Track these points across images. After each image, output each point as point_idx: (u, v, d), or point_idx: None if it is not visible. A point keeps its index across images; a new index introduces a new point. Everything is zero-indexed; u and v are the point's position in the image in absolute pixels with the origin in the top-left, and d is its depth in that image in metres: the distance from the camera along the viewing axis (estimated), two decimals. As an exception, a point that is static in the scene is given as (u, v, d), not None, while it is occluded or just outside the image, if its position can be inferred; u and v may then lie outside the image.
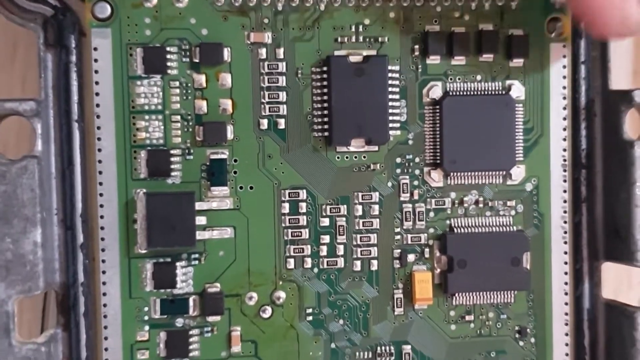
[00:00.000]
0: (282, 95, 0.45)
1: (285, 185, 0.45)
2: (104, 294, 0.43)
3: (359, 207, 0.45)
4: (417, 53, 0.45)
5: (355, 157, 0.45)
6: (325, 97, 0.44)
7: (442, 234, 0.46)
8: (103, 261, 0.43)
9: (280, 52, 0.44)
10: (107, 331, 0.44)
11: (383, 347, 0.46)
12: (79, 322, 0.43)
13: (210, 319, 0.44)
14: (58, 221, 0.43)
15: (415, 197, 0.46)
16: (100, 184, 0.43)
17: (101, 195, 0.43)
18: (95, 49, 0.43)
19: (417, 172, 0.46)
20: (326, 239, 0.45)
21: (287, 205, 0.45)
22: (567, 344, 0.47)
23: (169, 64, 0.43)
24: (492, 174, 0.46)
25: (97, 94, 0.43)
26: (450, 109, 0.45)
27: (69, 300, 0.43)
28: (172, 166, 0.44)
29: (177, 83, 0.44)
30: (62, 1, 0.43)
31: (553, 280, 0.47)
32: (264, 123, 0.44)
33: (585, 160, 0.47)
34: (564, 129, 0.47)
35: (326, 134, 0.45)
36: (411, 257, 0.46)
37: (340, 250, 0.45)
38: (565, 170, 0.47)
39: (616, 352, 0.46)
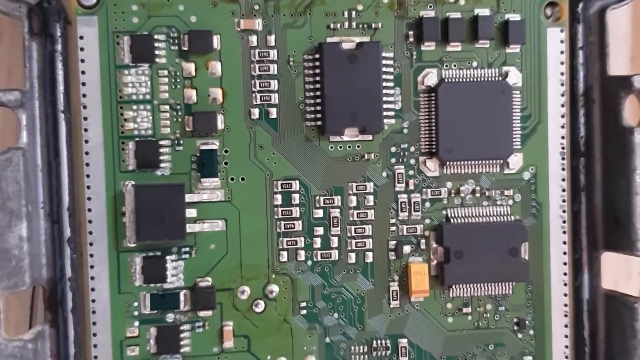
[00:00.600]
0: (274, 84, 0.44)
1: (277, 176, 0.44)
2: (93, 289, 0.42)
3: (353, 198, 0.45)
4: (411, 39, 0.44)
5: (349, 147, 0.44)
6: (318, 86, 0.43)
7: (439, 225, 0.45)
8: (91, 255, 0.42)
9: (272, 40, 0.43)
10: (96, 327, 0.43)
11: (379, 341, 0.45)
12: (66, 318, 0.42)
13: (202, 313, 0.43)
14: (44, 215, 0.42)
15: (411, 187, 0.45)
16: (88, 176, 0.42)
17: (88, 187, 0.42)
18: (81, 37, 0.42)
19: (412, 161, 0.45)
20: (320, 230, 0.44)
21: (279, 196, 0.44)
22: (566, 336, 0.46)
23: (157, 52, 0.42)
24: (489, 163, 0.45)
25: (83, 84, 0.42)
26: (445, 96, 0.44)
27: (57, 296, 0.42)
28: (161, 157, 0.43)
29: (166, 72, 0.43)
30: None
31: (552, 271, 0.46)
32: (255, 112, 0.43)
33: (584, 148, 0.46)
34: (562, 116, 0.46)
35: (319, 123, 0.44)
36: (407, 249, 0.45)
37: (335, 242, 0.44)
38: (563, 159, 0.46)
39: (616, 343, 0.45)
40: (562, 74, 0.46)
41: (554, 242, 0.46)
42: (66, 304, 0.42)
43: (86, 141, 0.42)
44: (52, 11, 0.42)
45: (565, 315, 0.46)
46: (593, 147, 0.46)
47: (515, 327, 0.46)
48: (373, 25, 0.44)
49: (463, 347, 0.46)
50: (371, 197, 0.45)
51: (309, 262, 0.44)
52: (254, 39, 0.43)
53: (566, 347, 0.46)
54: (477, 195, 0.45)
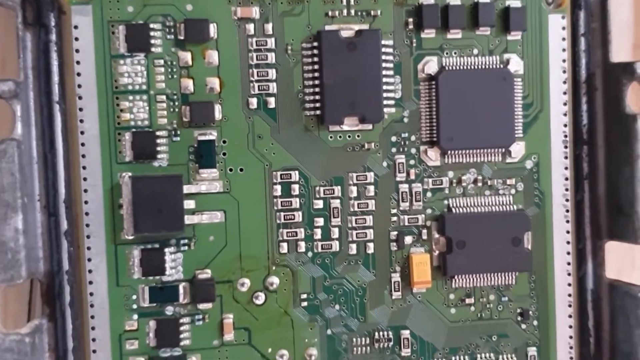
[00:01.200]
0: (272, 73, 0.43)
1: (276, 167, 0.43)
2: (90, 283, 0.42)
3: (354, 188, 0.44)
4: (411, 27, 0.44)
5: (349, 136, 0.44)
6: (317, 74, 0.43)
7: (440, 215, 0.44)
8: (88, 248, 0.42)
9: (269, 28, 0.43)
10: (94, 321, 0.42)
11: (381, 333, 0.44)
12: (64, 312, 0.41)
13: (202, 306, 0.43)
14: (40, 207, 0.41)
15: (412, 176, 0.44)
16: (84, 168, 0.42)
17: (85, 179, 0.42)
18: (75, 27, 0.41)
19: (413, 150, 0.44)
20: (320, 221, 0.44)
21: (279, 187, 0.43)
22: (570, 326, 0.46)
23: (152, 41, 0.42)
24: (491, 152, 0.45)
25: (78, 74, 0.41)
26: (446, 84, 0.44)
27: (54, 290, 0.41)
28: (159, 148, 0.42)
29: (162, 61, 0.42)
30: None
31: (555, 261, 0.45)
32: (254, 102, 0.43)
33: (587, 136, 0.46)
34: (565, 104, 0.45)
35: (318, 112, 0.43)
36: (408, 239, 0.44)
37: (335, 233, 0.44)
38: (566, 147, 0.45)
39: (621, 334, 0.45)
40: (564, 61, 0.45)
41: (557, 231, 0.45)
42: (64, 297, 0.41)
43: (82, 132, 0.41)
44: (46, 1, 0.41)
45: (569, 305, 0.46)
46: (596, 135, 0.45)
47: (519, 318, 0.45)
48: (372, 13, 0.43)
49: (466, 339, 0.45)
50: (372, 187, 0.44)
51: (310, 254, 0.44)
52: (251, 27, 0.43)
53: (570, 337, 0.46)
54: (479, 184, 0.45)
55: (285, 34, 0.43)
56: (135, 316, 0.42)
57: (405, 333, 0.45)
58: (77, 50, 0.41)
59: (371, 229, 0.44)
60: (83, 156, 0.42)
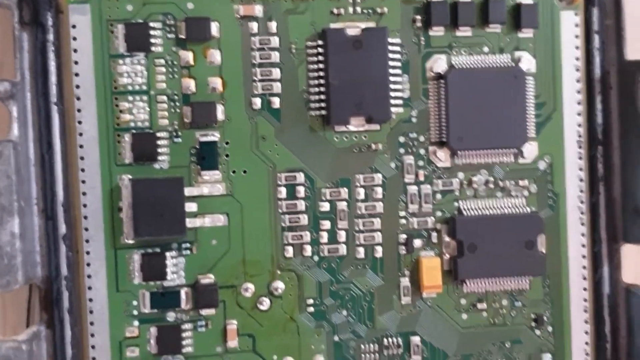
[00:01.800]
0: (276, 72, 0.42)
1: (281, 169, 0.42)
2: (89, 288, 0.41)
3: (361, 190, 0.43)
4: (419, 24, 0.43)
5: (355, 137, 0.43)
6: (322, 74, 0.42)
7: (451, 217, 0.43)
8: (87, 253, 0.41)
9: (273, 26, 0.42)
10: (94, 327, 0.41)
11: (390, 339, 0.43)
12: (63, 319, 0.40)
13: (204, 312, 0.42)
14: (38, 211, 0.40)
15: (421, 178, 0.43)
16: (82, 170, 0.41)
17: (83, 182, 0.41)
18: (73, 26, 0.41)
19: (422, 151, 0.43)
20: (326, 224, 0.43)
21: (283, 189, 0.42)
22: (586, 332, 0.44)
23: (152, 40, 0.41)
24: (503, 152, 0.43)
25: (76, 75, 0.41)
26: (455, 83, 0.43)
27: (52, 295, 0.40)
28: (159, 150, 0.41)
29: (162, 61, 0.41)
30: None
31: (570, 265, 0.44)
32: (257, 102, 0.42)
33: (602, 136, 0.45)
34: (579, 103, 0.44)
35: (323, 112, 0.42)
36: (418, 243, 0.43)
37: (342, 236, 0.43)
38: (580, 147, 0.44)
39: (638, 340, 0.44)
40: (577, 59, 0.44)
41: (571, 234, 0.44)
42: (62, 303, 0.40)
43: (80, 134, 0.41)
44: (42, 0, 0.40)
45: (585, 311, 0.44)
46: (611, 135, 0.44)
47: (533, 324, 0.44)
48: (378, 10, 0.43)
49: (478, 345, 0.44)
50: (379, 189, 0.43)
51: (316, 258, 0.43)
52: (254, 25, 0.42)
53: (586, 343, 0.44)
54: (491, 186, 0.44)
55: (290, 33, 0.42)
56: (136, 322, 0.41)
57: (415, 339, 0.43)
58: (75, 50, 0.41)
59: (379, 232, 0.43)
60: (81, 158, 0.41)
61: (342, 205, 0.43)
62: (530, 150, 0.44)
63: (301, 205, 0.42)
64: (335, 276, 0.43)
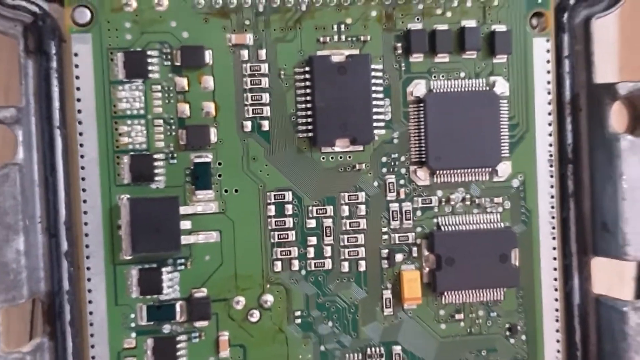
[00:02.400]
0: (265, 97, 0.44)
1: (270, 188, 0.45)
2: (90, 302, 0.43)
3: (346, 208, 0.45)
4: (399, 51, 0.45)
5: (341, 157, 0.45)
6: (309, 98, 0.44)
7: (430, 233, 0.46)
8: (88, 268, 0.43)
9: (263, 54, 0.44)
10: (94, 339, 0.43)
11: (373, 349, 0.46)
12: (65, 331, 0.42)
13: (198, 324, 0.44)
14: (42, 229, 0.42)
15: (402, 196, 0.46)
16: (84, 190, 0.43)
17: (85, 201, 0.43)
18: (75, 54, 0.43)
19: (402, 170, 0.46)
20: (313, 240, 0.45)
21: (272, 207, 0.45)
22: (558, 340, 0.47)
23: (150, 67, 0.43)
24: (478, 171, 0.46)
25: (78, 100, 0.43)
26: (434, 106, 0.45)
27: (55, 309, 0.42)
28: (156, 171, 0.43)
29: (159, 87, 0.43)
30: (41, 7, 0.42)
31: (542, 277, 0.47)
32: (248, 125, 0.44)
33: (572, 155, 0.47)
34: (550, 124, 0.47)
35: (310, 134, 0.45)
36: (399, 257, 0.46)
37: (328, 251, 0.45)
38: (551, 166, 0.47)
39: (607, 347, 0.46)
40: (548, 82, 0.47)
41: (544, 248, 0.47)
42: (64, 316, 0.42)
43: (82, 156, 0.43)
44: (47, 29, 0.42)
45: (557, 320, 0.47)
46: (581, 154, 0.47)
47: (508, 333, 0.46)
48: (362, 38, 0.45)
49: (456, 353, 0.46)
50: (363, 207, 0.45)
51: (303, 272, 0.45)
52: (245, 53, 0.44)
53: (558, 351, 0.47)
54: (467, 203, 0.46)
55: (278, 60, 0.44)
56: (134, 334, 0.43)
57: (397, 349, 0.46)
58: (77, 77, 0.43)
59: (363, 247, 0.45)
60: (83, 179, 0.43)
61: (328, 222, 0.45)
62: (504, 169, 0.46)
63: (289, 222, 0.45)
64: (322, 289, 0.45)
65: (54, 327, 0.42)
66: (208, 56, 0.43)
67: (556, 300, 0.47)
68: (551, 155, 0.47)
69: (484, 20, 0.46)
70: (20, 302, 0.41)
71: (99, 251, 0.43)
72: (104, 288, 0.43)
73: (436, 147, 0.45)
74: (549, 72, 0.47)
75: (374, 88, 0.45)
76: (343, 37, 0.45)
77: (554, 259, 0.47)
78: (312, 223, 0.45)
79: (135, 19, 0.43)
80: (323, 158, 0.45)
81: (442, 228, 0.46)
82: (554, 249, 0.47)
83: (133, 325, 0.43)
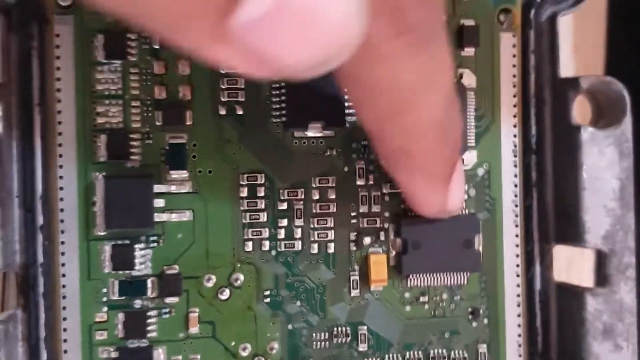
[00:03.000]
0: (241, 82, 0.46)
1: (243, 170, 0.46)
2: (63, 275, 0.44)
3: (316, 192, 0.47)
4: (371, 42, 0.47)
5: (313, 142, 0.47)
6: (283, 83, 0.46)
7: (397, 217, 0.47)
8: (62, 243, 0.44)
9: (238, 40, 0.45)
10: (66, 312, 0.44)
11: (339, 328, 0.47)
12: (38, 303, 0.43)
13: (168, 300, 0.45)
14: (19, 203, 0.43)
15: (371, 181, 0.47)
16: (61, 167, 0.44)
17: (61, 177, 0.44)
18: (57, 35, 0.44)
19: (372, 156, 0.47)
20: (284, 222, 0.46)
21: (245, 189, 0.46)
22: (519, 325, 0.48)
23: (129, 50, 0.44)
24: (446, 159, 0.47)
25: (58, 79, 0.44)
26: (404, 95, 0.47)
27: (29, 281, 0.43)
28: (132, 150, 0.44)
29: (137, 69, 0.45)
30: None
31: (505, 263, 0.48)
32: (223, 109, 0.45)
33: (535, 146, 0.48)
34: (514, 116, 0.48)
35: (284, 119, 0.46)
36: (367, 240, 0.47)
37: (298, 233, 0.46)
38: (515, 156, 0.48)
39: (567, 332, 0.47)
40: (514, 76, 0.48)
41: (506, 235, 0.48)
42: (38, 288, 0.43)
43: (60, 133, 0.44)
44: (30, 10, 0.43)
45: (518, 305, 0.48)
46: (544, 145, 0.48)
47: (470, 316, 0.48)
48: (335, 28, 0.46)
49: (420, 335, 0.47)
50: (333, 191, 0.47)
51: (273, 252, 0.46)
52: (222, 39, 0.45)
53: (519, 335, 0.48)
54: (434, 189, 0.48)
55: (254, 46, 0.46)
56: (105, 308, 0.44)
57: (363, 329, 0.47)
58: (57, 57, 0.44)
59: (332, 230, 0.47)
60: (60, 156, 0.44)
61: (299, 204, 0.46)
62: (470, 158, 0.48)
63: (261, 203, 0.46)
64: (291, 269, 0.46)
65: (28, 299, 0.43)
66: (185, 41, 0.45)
67: (518, 286, 0.48)
68: (515, 146, 0.48)
69: (454, 14, 0.47)
70: (-6, 272, 0.42)
71: (74, 226, 0.44)
72: (77, 262, 0.44)
73: (405, 134, 0.46)
74: (514, 65, 0.48)
75: (346, 76, 0.46)
76: (317, 26, 0.46)
77: (517, 245, 0.48)
78: (283, 205, 0.46)
79: (116, 3, 0.44)
80: (295, 142, 0.46)
81: (409, 213, 0.47)
82: (517, 236, 0.48)
83: (105, 299, 0.44)
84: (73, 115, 0.44)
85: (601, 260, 0.46)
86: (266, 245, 0.46)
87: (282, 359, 0.46)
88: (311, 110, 0.46)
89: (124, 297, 0.45)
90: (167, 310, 0.45)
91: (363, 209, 0.47)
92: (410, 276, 0.47)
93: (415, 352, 0.47)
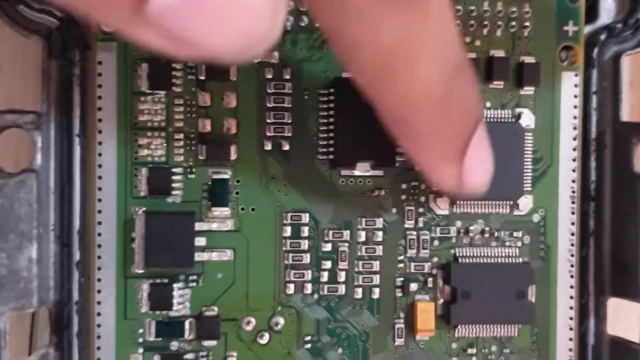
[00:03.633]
0: (288, 116, 0.44)
1: (287, 208, 0.44)
2: (99, 314, 0.42)
3: (362, 233, 0.45)
4: (426, 78, 0.45)
5: (360, 182, 0.45)
6: (331, 120, 0.44)
7: (447, 264, 0.45)
8: (99, 280, 0.42)
9: (287, 73, 0.44)
10: (100, 352, 0.42)
11: (382, 378, 0.45)
12: (71, 342, 0.42)
13: (206, 343, 0.43)
14: (54, 237, 0.42)
15: (420, 224, 0.45)
16: (99, 200, 0.42)
17: (100, 212, 0.42)
18: (99, 62, 0.42)
19: (422, 199, 0.45)
20: (327, 264, 0.44)
21: (288, 228, 0.44)
22: (571, 381, 0.46)
23: (174, 80, 0.43)
24: (499, 204, 0.45)
25: (99, 109, 0.42)
26: (458, 135, 0.44)
27: (63, 319, 0.42)
28: (173, 185, 0.43)
29: (182, 100, 0.43)
30: (67, 13, 0.42)
31: (558, 315, 0.46)
32: (268, 144, 0.44)
33: (594, 193, 0.46)
34: (574, 160, 0.46)
35: (331, 156, 0.44)
36: (414, 287, 0.45)
37: (342, 276, 0.44)
38: (573, 202, 0.46)
39: (621, 390, 0.45)
40: (575, 117, 0.46)
41: (561, 286, 0.46)
42: (72, 327, 0.42)
43: (99, 165, 0.42)
44: (72, 36, 0.42)
45: (570, 360, 0.46)
46: (603, 192, 0.46)
47: (520, 371, 0.46)
48: (389, 62, 0.44)
49: (467, 388, 0.46)
50: (380, 233, 0.45)
51: (315, 296, 0.44)
52: (270, 71, 0.43)
53: (570, 391, 0.46)
54: (486, 235, 0.45)
55: (303, 79, 0.44)
56: (141, 350, 0.43)
57: (407, 380, 0.45)
58: (99, 86, 0.42)
59: (377, 274, 0.45)
60: (99, 189, 0.42)
61: (344, 246, 0.44)
62: (526, 203, 0.46)
63: (305, 244, 0.44)
64: (333, 315, 0.45)
65: (61, 338, 0.42)
66: (233, 72, 0.43)
67: (570, 339, 0.46)
68: (573, 192, 0.46)
69: (513, 51, 0.45)
70: (29, 310, 0.40)
71: (111, 263, 0.42)
72: (114, 301, 0.42)
73: (458, 177, 0.44)
74: (575, 107, 0.46)
75: (398, 113, 0.44)
76: (370, 60, 0.44)
77: (571, 297, 0.46)
78: (327, 247, 0.44)
79: (162, 31, 0.42)
80: (342, 181, 0.44)
81: (459, 260, 0.45)
82: (572, 287, 0.46)
83: (141, 340, 0.43)
84: (114, 147, 0.42)
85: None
86: (308, 288, 0.44)
87: (321, 407, 0.44)
88: (360, 148, 0.44)
89: (160, 339, 0.43)
90: (205, 353, 0.43)
91: (411, 253, 0.45)
92: (459, 326, 0.45)
93: (462, 406, 0.45)
